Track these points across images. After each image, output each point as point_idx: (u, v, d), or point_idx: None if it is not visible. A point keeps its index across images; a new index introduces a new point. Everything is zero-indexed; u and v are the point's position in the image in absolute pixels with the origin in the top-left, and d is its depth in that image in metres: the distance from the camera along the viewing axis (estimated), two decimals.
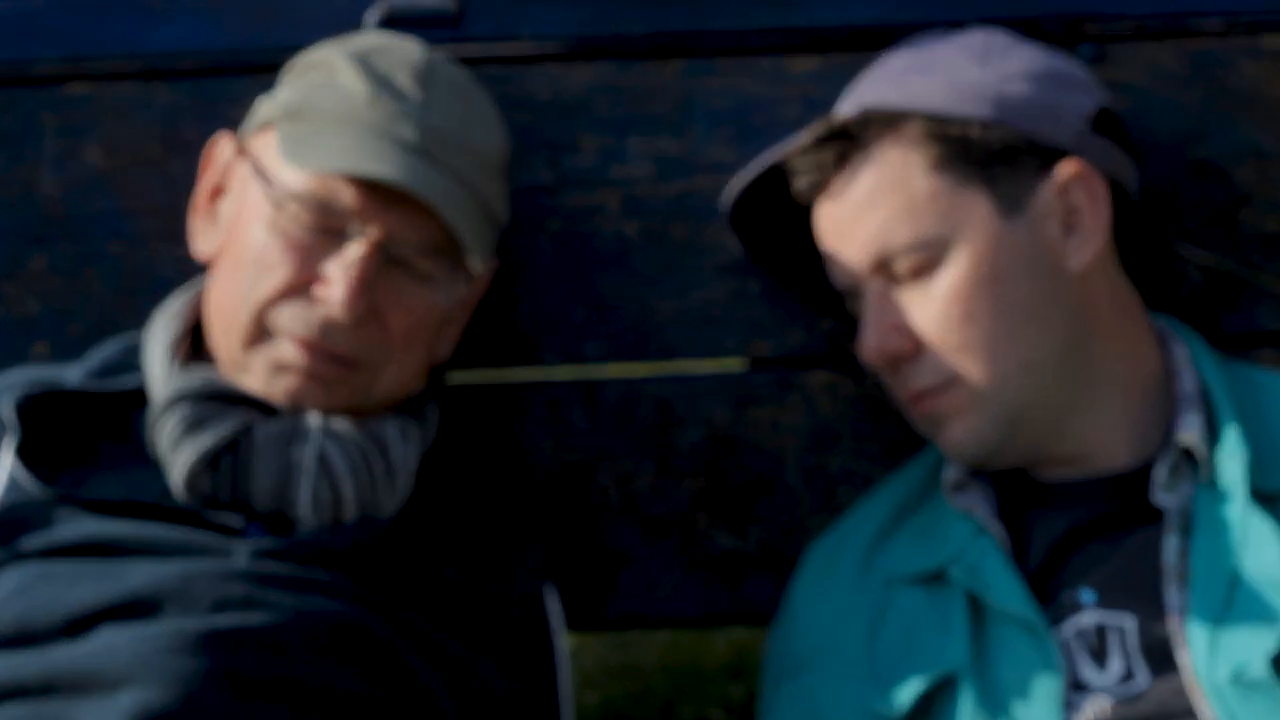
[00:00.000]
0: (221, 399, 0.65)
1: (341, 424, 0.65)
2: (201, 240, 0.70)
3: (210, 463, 0.64)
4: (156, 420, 0.65)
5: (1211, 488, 0.66)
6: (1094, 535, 0.67)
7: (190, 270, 0.71)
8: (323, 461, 0.64)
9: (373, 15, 0.74)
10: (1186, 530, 0.66)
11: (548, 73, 0.76)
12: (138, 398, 0.67)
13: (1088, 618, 0.65)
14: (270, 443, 0.64)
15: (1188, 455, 0.67)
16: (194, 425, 0.64)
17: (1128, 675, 0.64)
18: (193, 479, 0.64)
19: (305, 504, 0.64)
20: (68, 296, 0.76)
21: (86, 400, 0.68)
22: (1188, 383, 0.69)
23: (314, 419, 0.65)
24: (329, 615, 0.63)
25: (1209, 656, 0.62)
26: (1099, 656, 0.65)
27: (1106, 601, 0.65)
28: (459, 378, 0.76)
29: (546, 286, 0.77)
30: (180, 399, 0.65)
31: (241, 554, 0.63)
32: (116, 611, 0.61)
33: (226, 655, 0.60)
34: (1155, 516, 0.66)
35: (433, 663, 0.64)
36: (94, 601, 0.61)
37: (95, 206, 0.75)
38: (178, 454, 0.64)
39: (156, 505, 0.64)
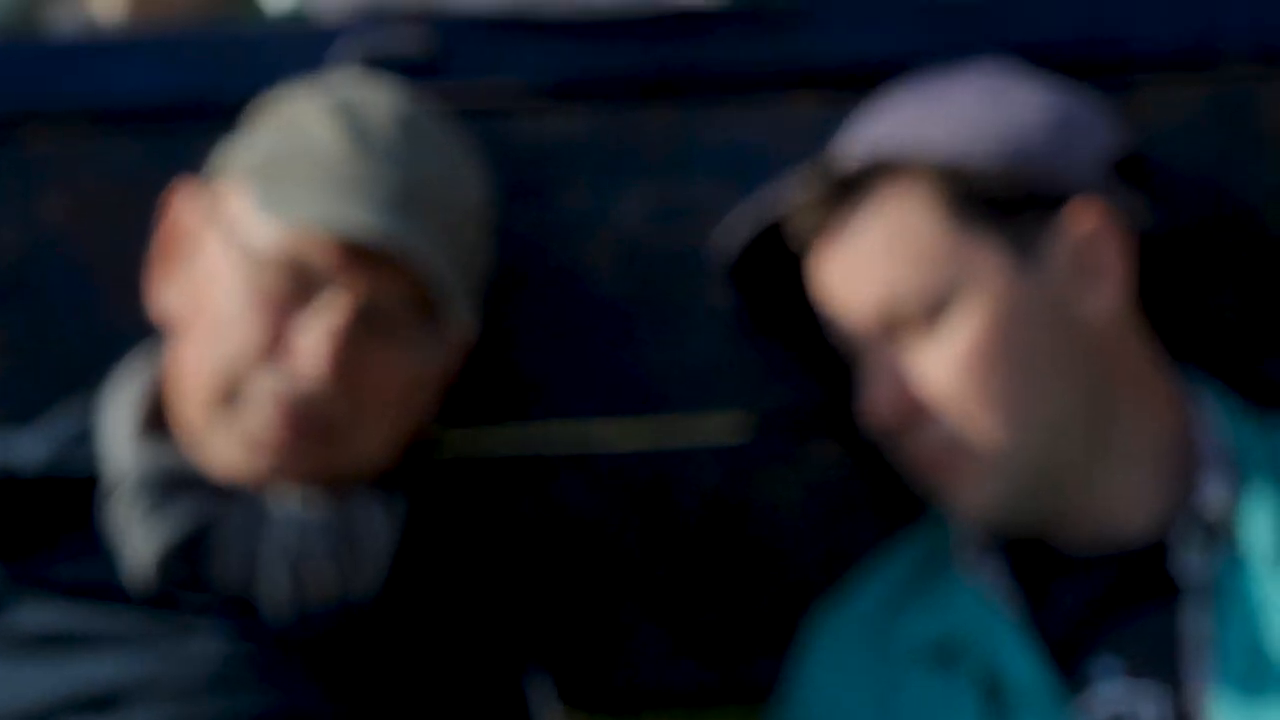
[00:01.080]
0: (184, 480, 0.62)
1: (311, 505, 0.62)
2: (163, 298, 0.66)
3: (173, 549, 0.61)
4: (117, 505, 0.61)
5: (1237, 554, 0.63)
6: (1115, 606, 0.64)
7: (154, 329, 0.67)
8: (290, 549, 0.61)
9: (345, 60, 0.70)
10: (1211, 599, 0.62)
11: (532, 117, 0.72)
12: (94, 477, 0.63)
13: (1111, 691, 0.62)
14: (236, 530, 0.61)
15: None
16: (156, 511, 0.61)
17: None
18: (155, 566, 0.60)
19: (272, 592, 0.61)
20: (24, 357, 0.72)
21: (42, 484, 0.64)
22: (1212, 441, 0.65)
23: (282, 503, 0.62)
24: (297, 706, 0.60)
25: None
26: None
27: (1130, 674, 0.62)
28: (446, 446, 0.73)
29: (534, 342, 0.74)
30: (141, 482, 0.61)
31: (206, 642, 0.60)
32: (81, 706, 0.58)
33: None
34: (1179, 584, 0.63)
35: None
36: (56, 698, 0.59)
37: (53, 262, 0.72)
38: (140, 541, 0.61)
39: (117, 591, 0.61)
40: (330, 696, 0.61)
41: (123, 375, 0.66)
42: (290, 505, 0.62)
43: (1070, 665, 0.63)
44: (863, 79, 0.70)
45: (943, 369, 0.63)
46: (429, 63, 0.71)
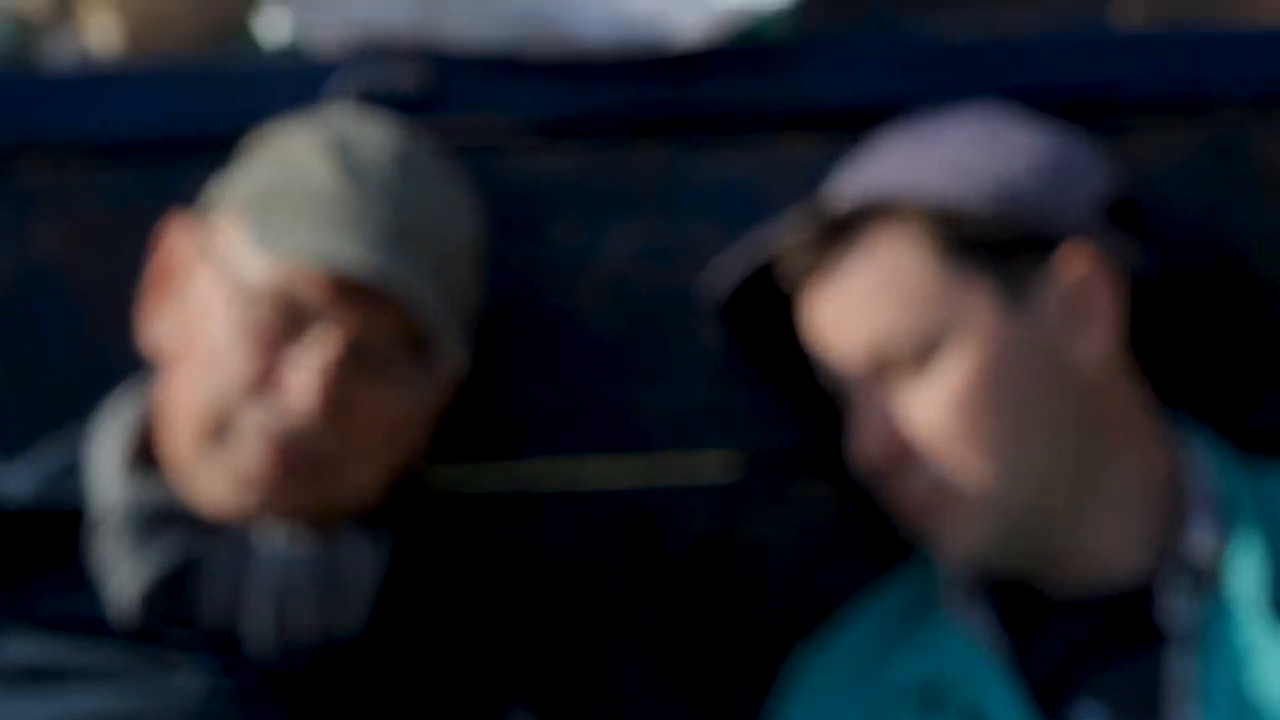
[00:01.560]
0: (171, 515, 0.62)
1: (297, 543, 0.62)
2: (154, 331, 0.66)
3: (158, 585, 0.60)
4: (103, 539, 0.61)
5: (1223, 601, 0.62)
6: (1100, 650, 0.64)
7: (146, 361, 0.67)
8: (275, 586, 0.61)
9: (340, 95, 0.70)
10: (1197, 645, 0.62)
11: (525, 154, 0.72)
12: (80, 510, 0.63)
13: None
14: (222, 566, 0.61)
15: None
16: (142, 546, 0.61)
17: None
18: (140, 602, 0.60)
19: (256, 629, 0.61)
20: (15, 387, 0.72)
21: (28, 518, 0.64)
22: (1200, 486, 0.65)
23: (268, 539, 0.61)
24: None
25: None
26: None
27: (1114, 719, 0.62)
28: (434, 482, 0.72)
29: (523, 379, 0.73)
30: (127, 517, 0.61)
31: (190, 678, 0.60)
32: None
33: None
34: (1165, 630, 0.63)
35: None
36: None
37: (46, 293, 0.72)
38: (125, 575, 0.60)
39: (102, 626, 0.61)
40: None
41: (112, 408, 0.66)
42: (276, 542, 0.61)
43: (1054, 709, 0.62)
44: (855, 121, 0.70)
45: (932, 411, 0.63)
46: (423, 99, 0.70)
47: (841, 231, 0.64)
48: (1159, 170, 0.72)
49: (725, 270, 0.67)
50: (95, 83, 0.73)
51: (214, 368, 0.61)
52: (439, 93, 0.71)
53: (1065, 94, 0.72)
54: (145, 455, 0.64)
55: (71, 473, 0.65)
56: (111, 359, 0.70)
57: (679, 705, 0.74)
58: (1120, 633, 0.64)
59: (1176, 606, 0.63)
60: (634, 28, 0.71)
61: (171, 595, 0.60)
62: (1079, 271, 0.64)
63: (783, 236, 0.65)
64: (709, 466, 0.73)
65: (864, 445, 0.64)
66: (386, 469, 0.64)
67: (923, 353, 0.63)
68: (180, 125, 0.71)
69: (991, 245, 0.64)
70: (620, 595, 0.74)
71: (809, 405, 0.71)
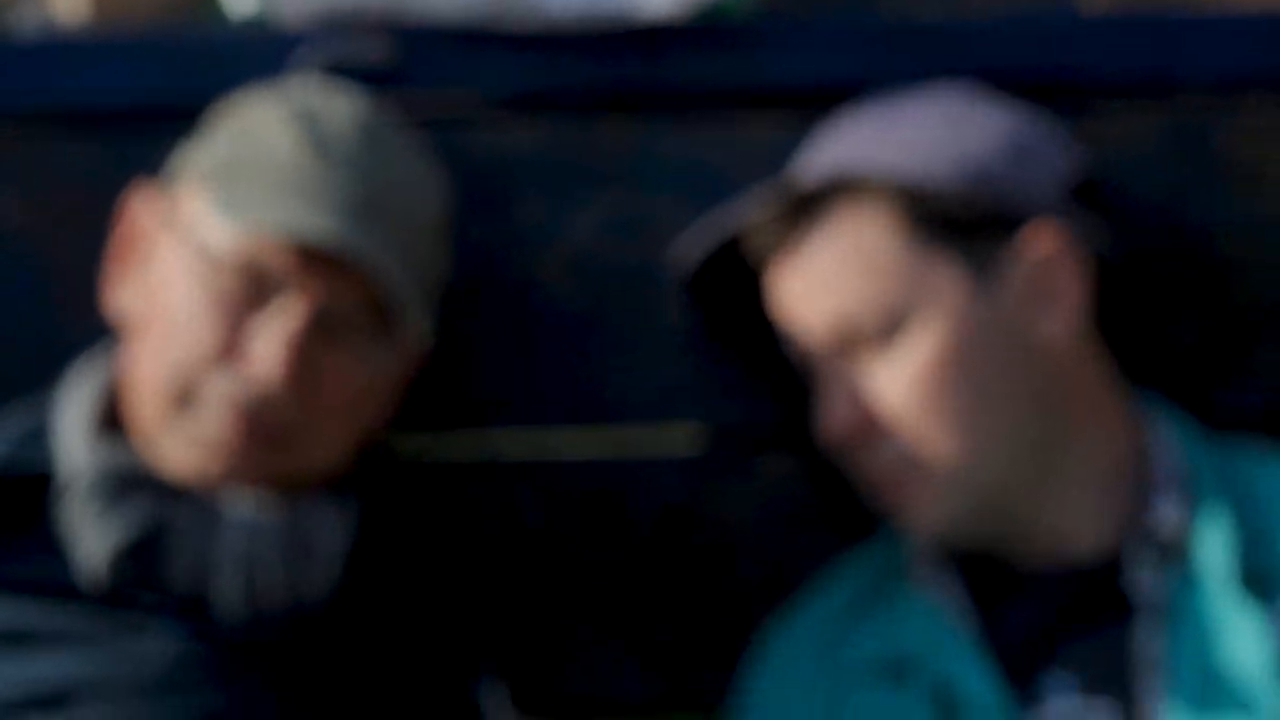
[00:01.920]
0: (138, 481, 0.61)
1: (265, 510, 0.61)
2: (119, 301, 0.65)
3: (126, 549, 0.60)
4: (70, 504, 0.61)
5: (1189, 573, 0.63)
6: (1069, 623, 0.64)
7: (111, 332, 0.67)
8: (243, 552, 0.60)
9: (307, 66, 0.70)
10: (1164, 618, 0.62)
11: (491, 128, 0.72)
12: (46, 476, 0.63)
13: (1063, 707, 0.62)
14: (189, 532, 0.60)
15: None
16: (109, 511, 0.60)
17: None
18: (108, 566, 0.60)
19: (224, 595, 0.60)
20: None
21: None
22: (1166, 463, 0.65)
23: (235, 506, 0.61)
24: (247, 707, 0.60)
25: None
26: None
27: (1083, 690, 0.62)
28: (402, 450, 0.72)
29: (490, 352, 0.73)
30: (95, 482, 0.60)
31: (158, 643, 0.60)
32: (31, 705, 0.58)
33: None
34: (1132, 603, 0.63)
35: None
36: (5, 696, 0.58)
37: (9, 263, 0.71)
38: (92, 540, 0.60)
39: (69, 590, 0.60)
40: (281, 699, 0.60)
41: (78, 374, 0.66)
42: (244, 508, 0.61)
43: (1023, 681, 0.62)
44: (821, 99, 0.70)
45: (898, 387, 0.63)
46: (390, 71, 0.70)
47: (808, 208, 0.64)
48: (1123, 153, 0.73)
49: (692, 245, 0.67)
50: (61, 52, 0.73)
51: (178, 337, 0.61)
52: (405, 66, 0.71)
53: (1030, 76, 0.72)
54: (111, 421, 0.63)
55: (39, 438, 0.64)
56: (76, 330, 0.69)
57: (646, 677, 0.74)
58: (1089, 606, 0.64)
59: (1143, 580, 0.63)
60: (600, 3, 0.71)
61: (139, 560, 0.60)
62: (1044, 251, 0.64)
63: (750, 212, 0.65)
64: (676, 440, 0.73)
65: (830, 420, 0.64)
66: (351, 437, 0.64)
67: (888, 329, 0.63)
68: (146, 95, 0.71)
69: (957, 223, 0.64)
70: (586, 566, 0.74)
71: (776, 380, 0.71)
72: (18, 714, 0.58)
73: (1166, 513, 0.63)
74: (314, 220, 0.60)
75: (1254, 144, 0.73)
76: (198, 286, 0.61)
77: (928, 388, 0.63)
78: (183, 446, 0.61)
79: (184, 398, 0.61)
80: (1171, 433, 0.66)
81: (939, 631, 0.64)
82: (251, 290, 0.61)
